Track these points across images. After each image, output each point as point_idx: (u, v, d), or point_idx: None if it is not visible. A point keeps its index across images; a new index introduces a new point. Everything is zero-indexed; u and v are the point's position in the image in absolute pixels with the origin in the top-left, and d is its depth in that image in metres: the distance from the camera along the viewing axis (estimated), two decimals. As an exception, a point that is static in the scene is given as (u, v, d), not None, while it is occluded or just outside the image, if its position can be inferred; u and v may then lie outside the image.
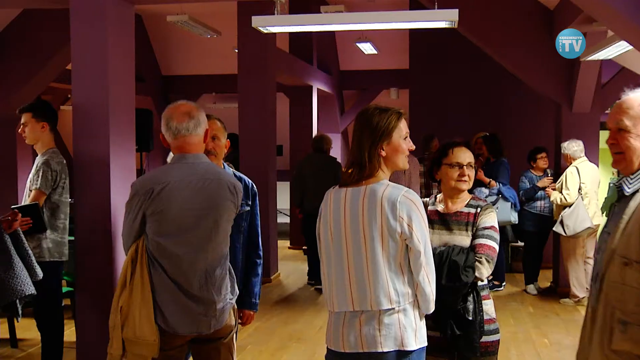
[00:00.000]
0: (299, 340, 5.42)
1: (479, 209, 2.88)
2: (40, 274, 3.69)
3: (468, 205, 2.91)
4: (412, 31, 9.23)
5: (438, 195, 3.00)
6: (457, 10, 4.22)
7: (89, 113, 4.16)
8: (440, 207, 2.95)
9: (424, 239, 2.32)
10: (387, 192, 2.31)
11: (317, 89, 10.46)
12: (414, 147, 2.47)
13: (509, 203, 6.66)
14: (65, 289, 4.85)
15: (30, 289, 3.55)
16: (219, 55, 11.04)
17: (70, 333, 4.71)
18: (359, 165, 2.36)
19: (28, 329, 4.27)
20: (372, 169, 2.35)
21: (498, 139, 7.10)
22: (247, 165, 7.30)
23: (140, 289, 2.65)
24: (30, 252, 3.71)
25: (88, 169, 4.17)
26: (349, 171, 2.40)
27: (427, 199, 3.02)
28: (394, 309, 2.30)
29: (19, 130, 4.29)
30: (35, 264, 3.69)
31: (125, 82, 4.35)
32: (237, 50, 7.58)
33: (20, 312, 3.61)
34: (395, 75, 11.92)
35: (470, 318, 2.76)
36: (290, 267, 8.53)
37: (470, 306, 2.77)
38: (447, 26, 4.50)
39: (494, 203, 6.45)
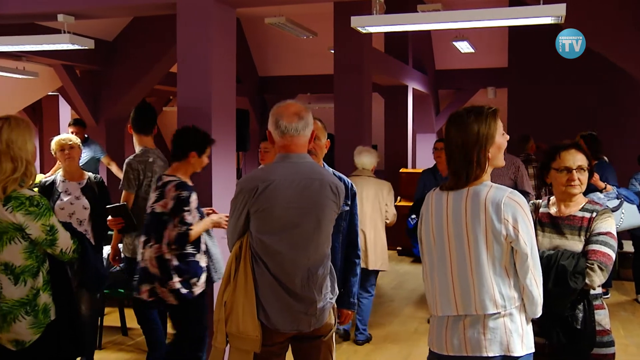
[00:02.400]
0: (393, 342, 5.38)
1: (594, 214, 2.73)
2: None
3: (583, 209, 2.77)
4: (512, 28, 8.95)
5: (551, 198, 2.89)
6: (564, 4, 4.03)
7: (193, 114, 4.32)
8: (552, 210, 2.83)
9: (531, 241, 2.25)
10: (491, 193, 2.25)
11: (413, 88, 10.36)
12: (508, 136, 2.42)
13: (635, 205, 6.24)
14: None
15: None
16: (314, 56, 11.17)
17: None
18: (465, 172, 2.30)
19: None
20: (480, 171, 2.31)
21: (598, 139, 6.71)
22: (342, 165, 7.31)
23: (244, 285, 2.71)
24: None
25: (191, 168, 4.32)
26: (454, 177, 2.34)
27: (540, 201, 2.92)
28: (499, 313, 2.25)
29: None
30: None
31: (227, 83, 4.49)
32: (332, 51, 7.62)
33: None
34: (492, 74, 11.62)
35: (579, 327, 2.64)
36: (384, 268, 8.47)
37: (580, 315, 2.65)
38: (552, 22, 4.31)
39: (618, 207, 6.05)
